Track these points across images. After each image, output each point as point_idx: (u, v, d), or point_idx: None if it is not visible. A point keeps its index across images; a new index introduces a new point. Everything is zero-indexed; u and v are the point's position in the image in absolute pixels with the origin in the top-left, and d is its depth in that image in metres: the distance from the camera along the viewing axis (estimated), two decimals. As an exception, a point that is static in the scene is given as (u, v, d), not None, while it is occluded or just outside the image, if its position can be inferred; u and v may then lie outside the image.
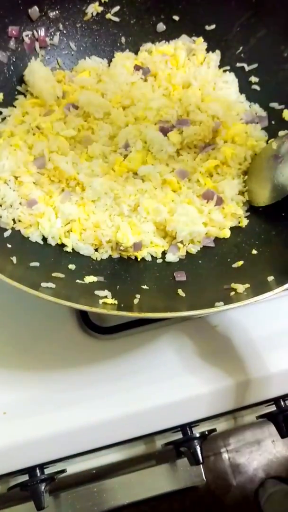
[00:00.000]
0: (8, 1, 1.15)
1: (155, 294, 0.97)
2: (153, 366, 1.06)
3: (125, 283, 1.00)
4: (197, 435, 1.05)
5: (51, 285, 0.90)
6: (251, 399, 1.07)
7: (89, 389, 1.03)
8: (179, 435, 1.06)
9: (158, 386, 1.04)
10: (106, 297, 0.92)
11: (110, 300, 0.90)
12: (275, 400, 1.11)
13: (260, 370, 1.06)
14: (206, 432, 1.07)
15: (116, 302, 0.90)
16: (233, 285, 0.93)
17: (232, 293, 0.92)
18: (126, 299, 0.92)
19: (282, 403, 1.11)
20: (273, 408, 1.12)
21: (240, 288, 0.92)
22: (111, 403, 1.02)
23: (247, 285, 0.92)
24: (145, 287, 0.99)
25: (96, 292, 0.93)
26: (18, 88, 1.21)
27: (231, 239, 1.10)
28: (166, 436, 1.09)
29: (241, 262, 1.02)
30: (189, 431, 1.06)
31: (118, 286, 0.98)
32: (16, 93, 1.21)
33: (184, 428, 1.06)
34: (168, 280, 1.02)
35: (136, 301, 0.92)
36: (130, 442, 1.04)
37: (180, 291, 0.96)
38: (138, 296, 0.94)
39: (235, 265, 1.02)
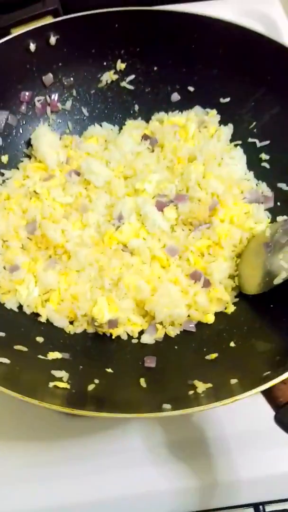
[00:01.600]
0: (23, 68, 1.19)
1: (116, 381, 0.93)
2: (118, 451, 1.01)
3: (90, 364, 0.97)
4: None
5: (5, 360, 0.88)
6: (217, 503, 0.99)
7: (47, 468, 0.99)
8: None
9: (116, 475, 0.99)
10: (61, 379, 0.89)
11: (62, 384, 0.87)
12: (254, 506, 1.02)
13: (229, 474, 0.98)
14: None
15: (68, 386, 0.87)
16: (196, 382, 0.88)
17: (191, 392, 0.86)
18: (81, 383, 0.89)
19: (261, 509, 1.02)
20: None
21: (201, 387, 0.86)
22: (65, 485, 0.97)
23: (209, 385, 0.86)
24: (109, 370, 0.95)
25: (53, 372, 0.91)
26: (25, 151, 1.23)
27: (214, 326, 1.04)
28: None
29: (215, 355, 0.97)
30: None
31: (81, 367, 0.95)
32: (22, 155, 1.23)
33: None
34: (137, 365, 0.98)
35: (91, 387, 0.89)
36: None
37: (142, 381, 0.91)
38: (96, 381, 0.90)
39: (208, 357, 0.97)
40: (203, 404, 0.80)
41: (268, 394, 0.80)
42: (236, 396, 0.77)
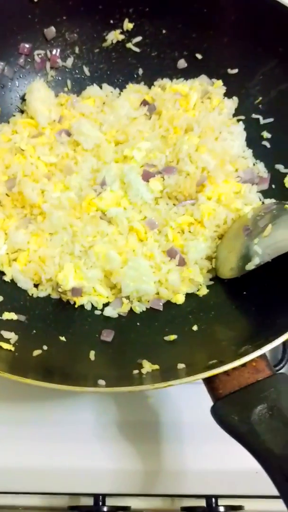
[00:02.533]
0: (24, 18, 1.13)
1: (65, 350, 0.90)
2: (67, 422, 0.99)
3: (45, 329, 0.95)
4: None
5: None
6: (161, 489, 0.95)
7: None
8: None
9: (62, 446, 0.96)
10: (8, 340, 0.87)
11: (7, 345, 0.85)
12: (206, 498, 0.98)
13: (177, 462, 0.94)
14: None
15: (12, 349, 0.85)
16: (143, 361, 0.84)
17: (136, 371, 0.82)
18: (28, 348, 0.86)
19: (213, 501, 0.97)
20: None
21: (147, 367, 0.82)
22: (6, 448, 0.96)
23: (156, 367, 0.82)
24: (62, 338, 0.93)
25: (2, 332, 0.88)
26: (19, 105, 1.19)
27: (182, 307, 1.00)
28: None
29: (173, 337, 0.92)
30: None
31: (34, 331, 0.93)
32: (16, 110, 1.19)
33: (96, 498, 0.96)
34: (93, 337, 0.94)
35: (36, 353, 0.86)
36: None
37: (92, 354, 0.88)
38: (45, 347, 0.88)
39: (167, 338, 0.93)
40: (138, 383, 0.76)
41: (209, 384, 0.76)
42: (170, 382, 0.72)
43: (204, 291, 1.00)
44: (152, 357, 0.85)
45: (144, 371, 0.82)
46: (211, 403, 0.76)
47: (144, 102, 1.17)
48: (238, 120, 1.15)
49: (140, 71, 1.22)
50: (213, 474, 0.96)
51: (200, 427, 0.96)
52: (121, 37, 1.19)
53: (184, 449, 0.97)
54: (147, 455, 0.96)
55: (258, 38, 1.10)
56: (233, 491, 0.97)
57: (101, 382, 0.76)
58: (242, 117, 1.15)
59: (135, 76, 1.22)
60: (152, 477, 0.95)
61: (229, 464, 0.95)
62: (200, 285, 1.01)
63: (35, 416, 0.99)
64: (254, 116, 1.14)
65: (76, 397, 1.00)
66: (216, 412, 0.73)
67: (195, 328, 0.93)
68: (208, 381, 0.76)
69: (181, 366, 0.81)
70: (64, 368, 0.86)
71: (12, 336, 0.88)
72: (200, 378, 0.74)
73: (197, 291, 1.01)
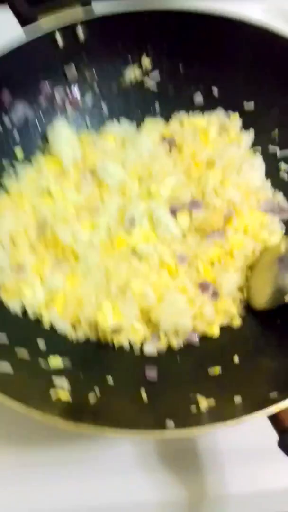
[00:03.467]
0: (45, 55, 1.15)
1: (116, 391, 0.92)
2: (107, 456, 1.00)
3: (90, 372, 0.96)
4: None
5: (6, 365, 0.88)
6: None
7: (33, 470, 0.99)
8: None
9: (102, 480, 0.97)
10: (62, 386, 0.89)
11: (63, 392, 0.87)
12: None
13: (219, 488, 0.97)
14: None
15: (69, 395, 0.87)
16: (198, 397, 0.86)
17: (193, 406, 0.85)
18: (82, 392, 0.88)
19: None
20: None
21: (204, 403, 0.85)
22: (50, 488, 0.97)
23: (212, 401, 0.85)
24: (109, 379, 0.94)
25: (54, 378, 0.90)
26: (40, 145, 1.21)
27: (218, 339, 1.02)
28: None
29: (218, 370, 0.95)
30: None
31: (81, 375, 0.94)
32: (37, 149, 1.21)
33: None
34: (137, 376, 0.97)
35: (92, 398, 0.88)
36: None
37: (143, 393, 0.90)
38: (97, 390, 0.89)
39: (211, 372, 0.95)
40: (206, 422, 0.80)
41: (273, 417, 0.78)
42: (242, 417, 0.76)
43: (238, 322, 1.03)
44: (204, 392, 0.87)
45: (201, 406, 0.84)
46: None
47: (164, 137, 1.20)
48: (255, 152, 1.18)
49: (157, 105, 1.25)
50: (257, 496, 0.99)
51: (240, 451, 0.99)
52: (139, 73, 1.23)
53: (224, 474, 0.99)
54: (188, 483, 0.98)
55: (273, 74, 1.14)
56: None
57: (170, 423, 0.78)
58: (259, 149, 1.19)
59: (152, 110, 1.26)
60: (196, 506, 0.97)
61: (272, 485, 0.98)
62: (234, 316, 1.04)
63: (73, 454, 0.99)
64: (271, 148, 1.17)
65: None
66: (285, 445, 0.76)
67: (236, 360, 0.96)
68: (272, 414, 0.78)
69: (237, 399, 0.83)
70: (122, 409, 0.88)
71: (64, 382, 0.89)
72: (267, 413, 0.76)
73: (231, 322, 1.03)
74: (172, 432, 0.78)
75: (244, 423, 0.76)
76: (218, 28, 1.14)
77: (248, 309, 1.05)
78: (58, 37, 1.13)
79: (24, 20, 1.13)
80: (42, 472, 0.98)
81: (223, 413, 0.82)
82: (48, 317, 1.02)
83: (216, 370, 0.95)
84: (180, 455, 1.00)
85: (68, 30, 1.13)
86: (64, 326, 1.02)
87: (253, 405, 0.80)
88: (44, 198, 1.13)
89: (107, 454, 1.00)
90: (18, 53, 1.09)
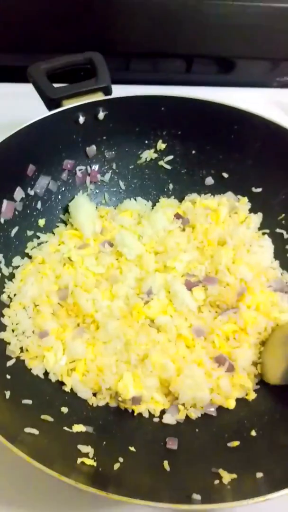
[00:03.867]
0: (69, 138, 1.24)
1: (139, 461, 0.93)
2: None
3: (113, 440, 0.97)
4: None
5: (34, 431, 0.88)
6: None
7: None
8: None
9: None
10: (87, 454, 0.89)
11: (89, 461, 0.88)
12: None
13: None
14: None
15: (95, 464, 0.87)
16: (220, 471, 0.88)
17: (217, 481, 0.86)
18: (107, 461, 0.89)
19: None
20: None
21: (226, 477, 0.87)
22: None
23: (234, 476, 0.87)
24: (132, 449, 0.95)
25: (79, 447, 0.91)
26: (61, 216, 1.26)
27: (234, 412, 1.05)
28: None
29: (237, 443, 0.97)
30: None
31: (104, 442, 0.95)
32: (58, 220, 1.26)
33: None
34: (158, 445, 0.98)
35: (116, 466, 0.89)
36: None
37: (166, 464, 0.92)
38: (121, 460, 0.90)
39: (230, 444, 0.98)
40: (229, 498, 0.81)
41: None
42: (267, 496, 0.78)
43: (252, 396, 1.07)
44: (225, 465, 0.89)
45: (224, 481, 0.86)
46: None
47: (177, 216, 1.28)
48: (264, 234, 1.27)
49: (171, 186, 1.34)
50: None
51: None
52: (154, 155, 1.32)
53: None
54: None
55: (280, 163, 1.25)
56: None
57: (196, 496, 0.80)
58: (267, 231, 1.27)
59: (166, 190, 1.35)
60: None
61: None
62: (248, 389, 1.07)
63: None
64: (278, 230, 1.26)
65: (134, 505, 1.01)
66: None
67: (253, 433, 0.99)
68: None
69: (259, 475, 0.86)
70: (147, 481, 0.88)
71: (89, 449, 0.90)
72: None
73: (246, 395, 1.07)
74: (199, 507, 0.79)
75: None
76: (229, 118, 1.25)
77: (263, 384, 1.08)
78: (79, 115, 1.22)
79: (50, 104, 1.22)
80: None
81: (246, 489, 0.84)
82: (70, 383, 1.04)
83: (234, 443, 0.98)
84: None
85: (89, 109, 1.23)
86: (85, 392, 1.04)
87: (275, 481, 0.83)
88: (66, 267, 1.17)
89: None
90: (42, 127, 1.17)
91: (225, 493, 0.84)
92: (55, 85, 1.23)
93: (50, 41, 1.64)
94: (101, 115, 1.24)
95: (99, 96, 1.25)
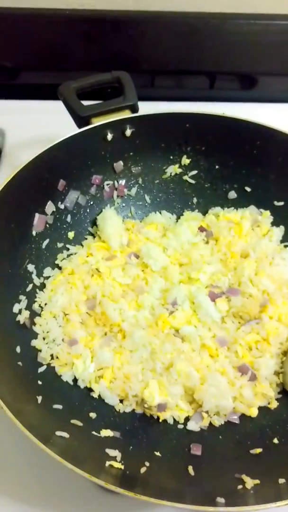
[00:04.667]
0: (98, 154, 1.29)
1: (165, 465, 0.96)
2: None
3: (140, 445, 1.01)
4: None
5: (65, 434, 0.92)
6: None
7: None
8: None
9: None
10: (115, 458, 0.93)
11: (117, 464, 0.91)
12: None
13: None
14: None
15: (122, 467, 0.91)
16: (243, 476, 0.91)
17: (240, 486, 0.89)
18: (134, 465, 0.92)
19: None
20: None
21: (249, 483, 0.89)
22: None
23: (257, 481, 0.90)
24: (158, 453, 0.99)
25: (107, 451, 0.94)
26: (89, 229, 1.32)
27: (257, 420, 1.08)
28: None
29: (259, 450, 1.00)
30: None
31: (131, 447, 0.99)
32: (87, 233, 1.31)
33: None
34: (183, 451, 1.01)
35: (143, 470, 0.92)
36: None
37: (190, 469, 0.95)
38: (147, 464, 0.94)
39: (253, 451, 1.00)
40: (252, 502, 0.84)
41: None
42: (290, 499, 0.81)
43: (274, 404, 1.10)
44: (248, 471, 0.92)
45: (247, 486, 0.89)
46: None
47: (201, 229, 1.32)
48: (286, 246, 1.30)
49: (195, 200, 1.39)
50: None
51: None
52: (179, 170, 1.37)
53: None
54: None
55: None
56: None
57: (220, 500, 0.83)
58: (289, 244, 1.31)
59: (190, 204, 1.39)
60: None
61: None
62: (271, 398, 1.10)
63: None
64: (300, 243, 1.29)
65: (157, 509, 1.05)
66: None
67: (276, 441, 1.02)
68: None
69: (281, 481, 0.89)
70: (172, 484, 0.92)
71: (116, 453, 0.94)
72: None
73: (268, 404, 1.10)
74: (224, 509, 0.81)
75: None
76: (252, 133, 1.29)
77: (284, 393, 1.11)
78: (108, 132, 1.28)
79: (79, 122, 1.28)
80: None
81: (269, 494, 0.87)
82: (98, 390, 1.08)
83: (257, 450, 1.01)
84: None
85: (117, 126, 1.28)
86: (112, 399, 1.08)
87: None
88: (94, 277, 1.22)
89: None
90: (72, 143, 1.22)
91: (248, 498, 0.87)
92: (84, 102, 1.28)
93: (78, 59, 1.70)
94: (128, 132, 1.29)
95: (126, 114, 1.29)
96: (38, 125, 1.55)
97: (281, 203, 1.32)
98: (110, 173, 1.33)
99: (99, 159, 1.30)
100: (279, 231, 1.31)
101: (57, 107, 1.31)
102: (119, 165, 1.33)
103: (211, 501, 0.82)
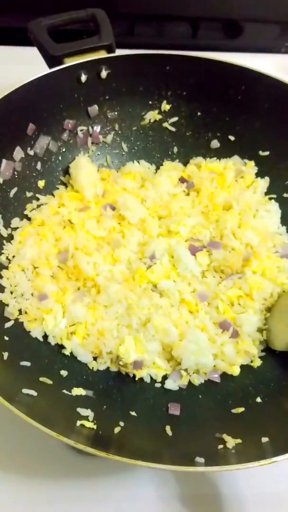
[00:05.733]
0: (71, 97, 1.19)
1: (141, 426, 0.90)
2: (128, 498, 0.97)
3: (114, 404, 0.94)
4: None
5: (33, 392, 0.86)
6: None
7: (49, 507, 0.95)
8: None
9: None
10: (87, 417, 0.86)
11: (89, 423, 0.85)
12: None
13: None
14: None
15: (95, 427, 0.85)
16: (224, 436, 0.85)
17: (221, 446, 0.84)
18: (107, 425, 0.86)
19: None
20: None
21: (230, 442, 0.84)
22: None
23: (239, 441, 0.84)
24: (133, 413, 0.93)
25: (79, 410, 0.88)
26: (61, 178, 1.22)
27: (239, 379, 1.02)
28: None
29: (241, 409, 0.95)
30: None
31: (105, 406, 0.93)
32: (58, 182, 1.22)
33: None
34: (160, 411, 0.95)
35: (117, 430, 0.86)
36: None
37: (168, 429, 0.89)
38: (122, 424, 0.88)
39: (234, 411, 0.95)
40: (234, 461, 0.78)
41: None
42: (273, 458, 0.75)
43: (258, 363, 1.04)
44: (229, 431, 0.87)
45: (229, 445, 0.83)
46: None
47: (182, 179, 1.24)
48: (271, 198, 1.23)
49: (175, 149, 1.30)
50: None
51: (261, 497, 0.98)
52: (159, 116, 1.27)
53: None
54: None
55: (288, 126, 1.20)
56: None
57: (199, 459, 0.77)
58: (274, 196, 1.23)
59: (170, 153, 1.30)
60: None
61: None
62: (254, 356, 1.04)
63: (92, 494, 0.97)
64: (285, 195, 1.22)
65: (134, 472, 1.00)
66: None
67: (258, 400, 0.96)
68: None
69: (265, 440, 0.83)
70: (148, 444, 0.86)
71: (88, 413, 0.88)
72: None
73: (251, 362, 1.04)
74: (203, 469, 0.76)
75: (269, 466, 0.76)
76: (237, 77, 1.20)
77: (268, 351, 1.05)
78: (81, 73, 1.17)
79: (51, 62, 1.17)
80: (59, 509, 0.95)
81: (251, 453, 0.82)
82: (70, 347, 1.01)
83: (239, 410, 0.95)
84: (202, 500, 0.98)
85: (91, 67, 1.18)
86: (85, 356, 1.01)
87: (281, 446, 0.80)
88: (66, 229, 1.13)
89: (127, 496, 0.96)
90: (42, 84, 1.12)
91: (230, 457, 0.81)
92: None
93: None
94: (103, 73, 1.19)
95: (102, 54, 1.19)
96: (6, 71, 1.42)
97: (267, 153, 1.24)
98: (84, 118, 1.24)
99: (72, 103, 1.20)
100: (263, 182, 1.24)
101: (29, 53, 1.22)
102: (93, 109, 1.23)
103: (190, 462, 0.77)
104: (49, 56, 1.17)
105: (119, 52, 1.20)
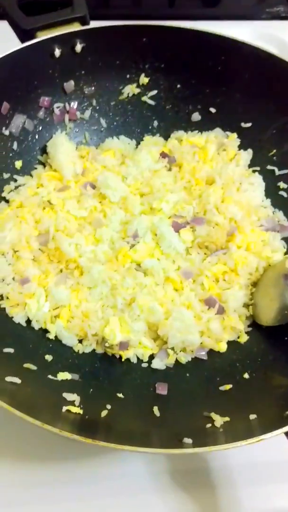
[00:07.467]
0: (45, 73, 1.15)
1: (128, 407, 0.90)
2: (118, 476, 0.97)
3: (101, 387, 0.93)
4: None
5: (16, 380, 0.84)
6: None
7: (40, 489, 0.94)
8: None
9: (115, 500, 0.94)
10: (73, 402, 0.85)
11: (75, 409, 0.84)
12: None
13: (232, 506, 0.95)
14: None
15: (81, 412, 0.84)
16: (212, 414, 0.85)
17: (209, 425, 0.83)
18: (94, 409, 0.85)
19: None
20: None
21: (218, 421, 0.83)
22: (60, 508, 0.93)
23: (227, 419, 0.84)
24: (120, 395, 0.92)
25: (64, 395, 0.87)
26: (39, 157, 1.19)
27: (226, 355, 1.02)
28: None
29: (229, 386, 0.94)
30: None
31: (91, 390, 0.92)
32: (36, 162, 1.19)
33: None
34: (148, 391, 0.95)
35: (104, 413, 0.85)
36: None
37: (155, 409, 0.88)
38: (108, 406, 0.87)
39: (222, 388, 0.94)
40: (222, 440, 0.77)
41: None
42: (261, 436, 0.75)
43: (244, 338, 1.03)
44: (217, 409, 0.86)
45: (217, 424, 0.83)
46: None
47: (163, 154, 1.21)
48: (254, 171, 1.21)
49: (155, 123, 1.27)
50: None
51: (250, 468, 0.98)
52: (137, 90, 1.24)
53: (238, 492, 0.97)
54: (202, 502, 0.96)
55: (270, 95, 1.17)
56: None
57: (187, 440, 0.76)
58: (258, 168, 1.21)
59: (151, 128, 1.27)
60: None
61: (285, 503, 0.97)
62: (240, 332, 1.04)
63: (82, 474, 0.96)
64: (269, 167, 1.20)
65: (125, 451, 0.99)
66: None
67: (246, 376, 0.96)
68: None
69: (252, 417, 0.83)
70: (136, 426, 0.85)
71: (74, 397, 0.87)
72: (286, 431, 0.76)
73: (238, 338, 1.03)
74: (191, 450, 0.75)
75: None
76: (216, 47, 1.17)
77: (255, 326, 1.05)
78: (55, 47, 1.13)
79: (23, 36, 1.13)
80: (42, 493, 0.94)
81: (239, 431, 0.81)
82: (54, 330, 0.99)
83: (226, 387, 0.94)
84: (192, 474, 0.98)
85: (65, 41, 1.14)
86: (70, 339, 1.00)
87: (269, 422, 0.80)
88: (46, 211, 1.11)
89: (118, 474, 0.96)
90: (15, 61, 1.08)
91: (218, 436, 0.81)
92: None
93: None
94: (78, 47, 1.15)
95: (76, 27, 1.15)
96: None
97: (249, 125, 1.22)
98: (60, 95, 1.20)
99: (47, 79, 1.16)
100: (247, 154, 1.21)
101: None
102: (69, 85, 1.19)
103: (178, 443, 0.76)
104: (20, 30, 1.13)
105: (94, 24, 1.16)
